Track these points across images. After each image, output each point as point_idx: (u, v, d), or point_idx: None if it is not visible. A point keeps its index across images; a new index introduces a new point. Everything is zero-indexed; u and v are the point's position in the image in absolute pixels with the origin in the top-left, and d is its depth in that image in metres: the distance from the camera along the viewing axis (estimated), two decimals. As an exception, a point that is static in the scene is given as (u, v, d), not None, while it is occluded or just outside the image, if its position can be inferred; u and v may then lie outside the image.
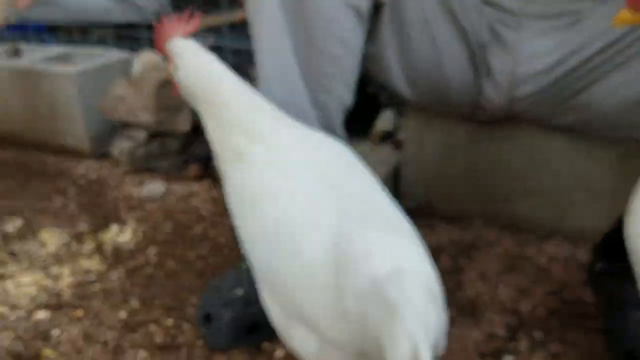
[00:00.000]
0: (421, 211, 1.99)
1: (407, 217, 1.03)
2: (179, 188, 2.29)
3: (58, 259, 1.84)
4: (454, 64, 1.63)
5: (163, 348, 1.46)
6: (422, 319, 0.78)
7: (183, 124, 2.39)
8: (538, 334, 1.50)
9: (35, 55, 2.77)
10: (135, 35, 3.23)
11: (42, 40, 3.40)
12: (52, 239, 1.95)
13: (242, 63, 3.14)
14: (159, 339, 1.49)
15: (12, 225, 2.04)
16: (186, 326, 1.54)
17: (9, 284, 1.71)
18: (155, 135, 2.42)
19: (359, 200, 1.05)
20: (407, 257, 0.91)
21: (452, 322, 1.55)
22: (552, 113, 1.66)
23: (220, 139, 1.18)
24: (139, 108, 2.35)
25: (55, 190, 2.31)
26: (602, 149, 1.75)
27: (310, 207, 1.02)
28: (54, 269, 1.79)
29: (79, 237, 1.96)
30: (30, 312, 1.59)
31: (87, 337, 1.50)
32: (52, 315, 1.58)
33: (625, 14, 1.03)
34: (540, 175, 1.86)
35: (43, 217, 2.10)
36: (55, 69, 2.54)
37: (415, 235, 1.00)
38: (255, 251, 1.08)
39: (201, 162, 2.40)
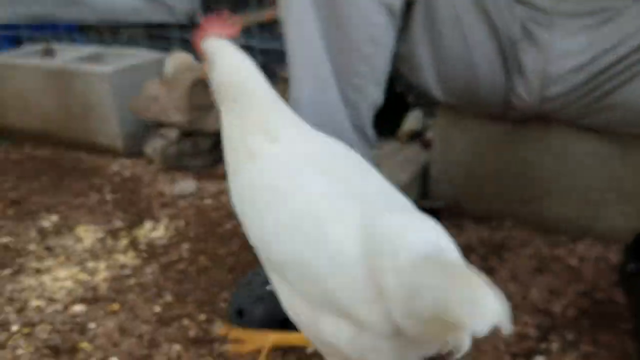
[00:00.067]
0: (450, 211, 1.99)
1: (435, 216, 1.04)
2: (210, 186, 2.33)
3: (94, 254, 1.89)
4: (485, 63, 1.63)
5: (196, 342, 1.49)
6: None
7: (214, 123, 2.43)
8: (569, 335, 1.50)
9: (68, 55, 2.84)
10: (166, 35, 3.28)
11: (73, 40, 3.48)
12: (87, 234, 2.01)
13: (270, 63, 3.18)
14: (192, 333, 1.53)
15: (49, 221, 2.10)
16: (218, 321, 1.57)
17: (46, 278, 1.76)
18: (187, 134, 2.46)
19: (373, 191, 1.10)
20: (435, 234, 0.97)
21: (483, 321, 1.55)
22: (584, 113, 1.65)
23: (239, 137, 1.21)
24: (171, 108, 2.39)
25: (90, 187, 2.37)
26: (634, 149, 1.73)
27: (331, 199, 1.06)
28: (90, 264, 1.84)
29: (113, 233, 2.02)
30: (67, 306, 1.64)
31: (123, 331, 1.54)
32: (88, 308, 1.63)
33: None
34: (572, 175, 1.84)
35: (79, 213, 2.16)
36: (89, 69, 2.60)
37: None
38: (277, 245, 1.09)
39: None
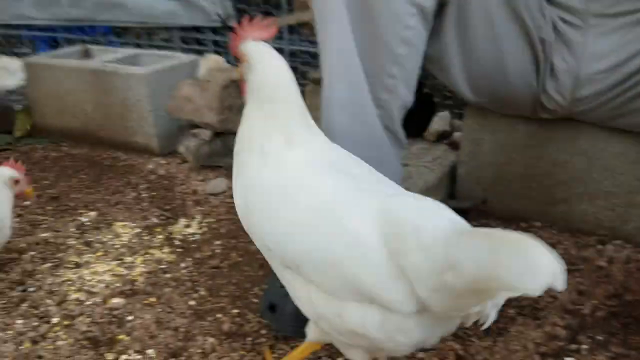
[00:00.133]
0: (477, 211, 2.01)
1: (463, 217, 1.07)
2: (241, 185, 2.38)
3: (131, 249, 1.96)
4: (516, 63, 1.64)
5: (230, 336, 1.54)
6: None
7: (245, 123, 2.48)
8: (599, 336, 1.50)
9: (105, 57, 2.93)
10: (199, 37, 3.36)
11: (108, 43, 3.58)
12: (125, 230, 2.08)
13: (299, 65, 3.23)
14: (225, 327, 1.57)
15: (87, 217, 2.18)
16: (251, 316, 1.61)
17: (85, 272, 1.83)
18: (219, 133, 2.53)
19: (384, 187, 1.17)
20: (449, 212, 1.03)
21: (513, 321, 1.57)
22: (615, 114, 1.65)
23: (258, 137, 1.23)
24: (204, 108, 2.46)
25: (127, 185, 2.44)
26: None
27: (343, 191, 1.11)
28: (127, 259, 1.90)
29: (149, 229, 2.08)
30: (105, 299, 1.70)
31: (159, 323, 1.59)
32: (126, 301, 1.69)
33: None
34: (601, 176, 1.84)
35: (116, 210, 2.23)
36: (126, 70, 2.68)
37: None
38: (293, 242, 1.12)
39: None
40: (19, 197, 1.84)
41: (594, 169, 1.83)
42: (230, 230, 2.06)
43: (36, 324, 1.59)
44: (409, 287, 1.00)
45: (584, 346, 1.47)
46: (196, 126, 2.56)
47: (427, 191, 1.98)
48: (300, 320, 1.49)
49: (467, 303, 0.98)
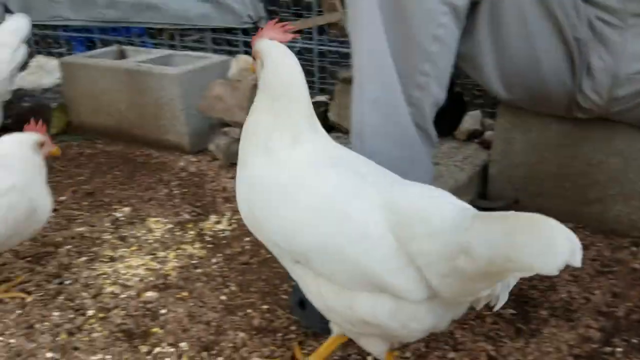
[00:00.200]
0: (509, 211, 1.99)
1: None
2: (270, 183, 2.40)
3: (163, 244, 2.00)
4: (550, 61, 1.62)
5: (260, 331, 1.56)
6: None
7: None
8: (634, 339, 1.47)
9: (139, 57, 2.98)
10: (230, 39, 3.40)
11: (143, 43, 3.65)
12: (157, 225, 2.12)
13: (328, 65, 3.24)
14: (256, 322, 1.59)
15: (121, 212, 2.23)
16: (280, 312, 1.63)
17: (120, 266, 1.87)
18: (249, 132, 2.55)
19: (388, 181, 1.18)
20: (454, 198, 1.06)
21: (545, 322, 1.55)
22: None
23: (264, 133, 1.24)
24: (234, 107, 2.49)
25: (159, 181, 2.49)
26: None
27: (348, 185, 1.13)
28: (160, 253, 1.94)
29: (181, 225, 2.12)
30: (139, 292, 1.74)
31: (192, 317, 1.62)
32: (159, 295, 1.72)
33: None
34: (637, 177, 1.80)
35: (149, 206, 2.27)
36: (160, 70, 2.73)
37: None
38: (301, 235, 1.14)
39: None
40: (47, 158, 1.76)
41: (630, 169, 1.80)
42: (260, 228, 2.07)
43: (72, 316, 1.63)
44: (419, 275, 1.01)
45: (619, 349, 1.45)
46: (226, 125, 2.59)
47: (458, 190, 1.97)
48: (329, 317, 1.49)
49: (478, 287, 1.00)
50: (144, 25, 3.61)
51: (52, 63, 3.57)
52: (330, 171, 1.17)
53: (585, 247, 1.84)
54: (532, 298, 1.66)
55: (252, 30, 3.34)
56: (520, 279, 1.70)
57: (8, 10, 3.84)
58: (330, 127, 2.86)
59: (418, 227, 1.00)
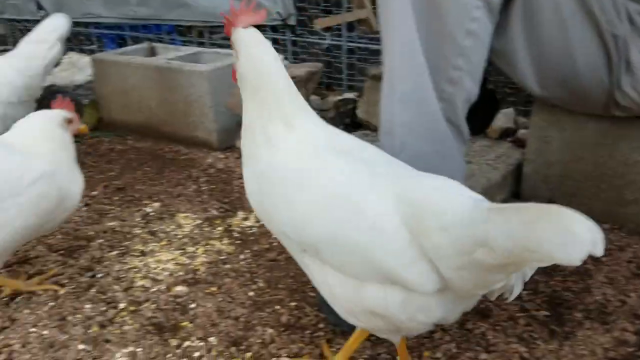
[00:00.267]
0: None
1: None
2: (298, 180, 2.40)
3: (192, 240, 2.01)
4: (586, 58, 1.58)
5: (288, 328, 1.55)
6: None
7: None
8: (673, 344, 1.43)
9: (169, 54, 3.01)
10: (259, 35, 3.41)
11: (172, 41, 3.68)
12: (186, 221, 2.13)
13: (357, 62, 3.23)
14: (284, 318, 1.59)
15: (151, 207, 2.25)
16: (308, 309, 1.62)
17: (150, 260, 1.89)
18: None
19: (393, 166, 1.18)
20: (466, 190, 1.04)
21: (580, 325, 1.51)
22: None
23: (257, 124, 1.24)
24: (263, 103, 2.49)
25: (188, 178, 2.51)
26: None
27: (357, 174, 1.12)
28: (190, 248, 1.95)
29: (210, 221, 2.13)
30: (169, 287, 1.75)
31: (220, 312, 1.62)
32: (188, 290, 1.73)
33: None
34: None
35: (178, 201, 2.29)
36: (190, 67, 2.75)
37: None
38: (311, 226, 1.13)
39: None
40: (75, 136, 1.73)
41: (670, 169, 1.74)
42: (289, 224, 2.07)
43: (104, 308, 1.65)
44: (431, 267, 1.01)
45: (657, 354, 1.41)
46: (255, 122, 2.59)
47: (491, 189, 1.94)
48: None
49: (494, 278, 0.99)
50: (175, 22, 3.65)
51: (84, 60, 3.62)
52: (337, 160, 1.16)
53: (620, 249, 1.82)
54: (566, 300, 1.62)
55: (280, 27, 3.35)
56: (554, 280, 1.69)
57: (41, 7, 3.93)
58: (358, 125, 2.85)
59: (430, 220, 0.99)
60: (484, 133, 2.34)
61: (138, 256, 1.92)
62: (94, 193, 2.37)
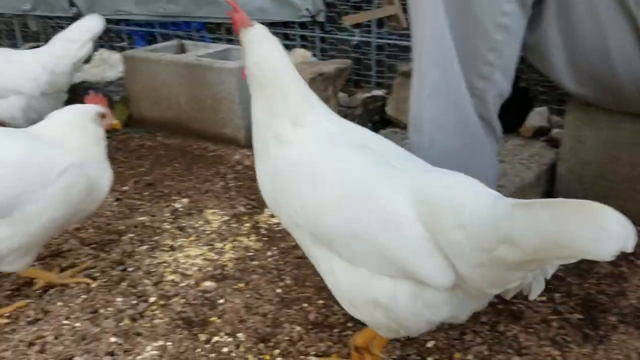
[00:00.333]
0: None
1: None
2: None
3: (220, 236, 2.02)
4: (622, 54, 1.54)
5: (316, 325, 1.55)
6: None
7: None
8: None
9: (198, 51, 3.03)
10: (287, 32, 3.41)
11: (201, 38, 3.71)
12: (214, 217, 2.15)
13: (386, 58, 3.20)
14: (312, 316, 1.58)
15: (180, 203, 2.27)
16: (336, 307, 1.61)
17: (179, 255, 1.91)
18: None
19: (406, 159, 1.18)
20: (482, 186, 1.03)
21: (614, 329, 1.48)
22: None
23: (266, 121, 1.26)
24: (292, 100, 2.48)
25: (216, 174, 2.52)
26: None
27: (376, 167, 1.12)
28: (217, 244, 1.96)
29: (237, 217, 2.14)
30: (198, 282, 1.76)
31: (248, 308, 1.63)
32: (217, 285, 1.74)
33: None
34: None
35: (206, 197, 2.31)
36: (219, 64, 2.76)
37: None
38: (325, 218, 1.13)
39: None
40: (108, 131, 1.74)
41: None
42: (316, 222, 2.07)
43: (135, 302, 1.67)
44: (446, 262, 1.00)
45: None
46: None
47: (524, 189, 1.90)
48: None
49: (513, 276, 0.98)
50: (204, 19, 3.67)
51: (115, 57, 3.67)
52: (352, 153, 1.16)
53: (658, 253, 1.77)
54: (600, 303, 1.58)
55: (309, 24, 3.34)
56: (588, 283, 1.65)
57: (73, 4, 3.99)
58: (387, 122, 2.83)
59: (447, 217, 0.98)
60: (516, 132, 2.30)
61: (167, 251, 1.94)
62: (125, 188, 2.40)
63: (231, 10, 1.30)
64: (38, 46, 2.94)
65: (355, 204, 1.09)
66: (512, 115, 1.99)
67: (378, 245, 1.06)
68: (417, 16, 1.52)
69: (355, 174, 1.12)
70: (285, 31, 3.40)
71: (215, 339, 1.52)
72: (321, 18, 3.30)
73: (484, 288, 1.01)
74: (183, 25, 3.81)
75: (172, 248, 1.96)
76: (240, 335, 1.53)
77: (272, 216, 2.14)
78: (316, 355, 1.45)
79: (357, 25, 3.11)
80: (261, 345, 1.48)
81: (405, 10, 2.94)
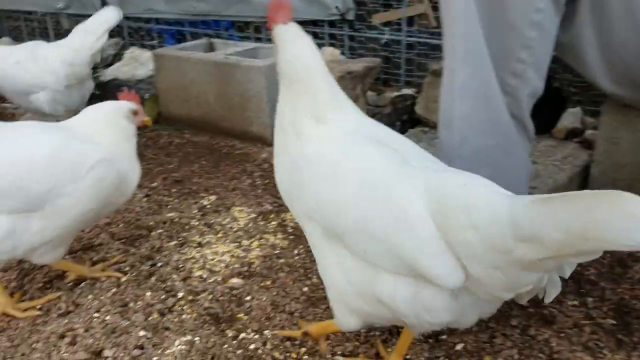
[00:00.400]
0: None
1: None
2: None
3: (247, 233, 2.03)
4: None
5: (343, 324, 1.54)
6: None
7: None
8: None
9: (227, 50, 3.05)
10: (316, 31, 3.41)
11: (229, 36, 3.73)
12: (241, 214, 2.16)
13: (415, 57, 3.18)
14: (339, 315, 1.58)
15: (208, 200, 2.29)
16: (363, 306, 1.61)
17: (207, 252, 1.92)
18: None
19: (425, 159, 1.18)
20: (495, 186, 1.02)
21: (649, 334, 1.44)
22: None
23: (290, 117, 1.27)
24: (320, 99, 2.48)
25: (243, 172, 2.54)
26: None
27: (392, 165, 1.11)
28: (244, 242, 1.97)
29: (264, 215, 2.14)
30: (225, 278, 1.77)
31: (275, 306, 1.63)
32: (244, 282, 1.75)
33: None
34: None
35: (233, 195, 2.32)
36: (248, 62, 2.77)
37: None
38: (338, 213, 1.13)
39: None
40: (138, 128, 1.76)
41: None
42: (343, 221, 2.06)
43: (163, 297, 1.69)
44: (457, 262, 1.00)
45: None
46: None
47: (556, 191, 1.85)
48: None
49: (527, 279, 0.97)
50: (233, 18, 3.69)
51: (146, 55, 3.72)
52: (372, 151, 1.16)
53: (697, 259, 1.71)
54: (634, 309, 1.54)
55: (338, 22, 3.33)
56: (621, 287, 1.61)
57: (105, 3, 4.06)
58: (416, 121, 2.80)
59: (460, 218, 0.97)
60: (549, 133, 2.26)
61: (195, 247, 1.95)
62: (154, 184, 2.43)
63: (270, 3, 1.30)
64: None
65: (370, 201, 1.10)
66: (545, 115, 1.96)
67: (393, 244, 1.06)
68: (448, 13, 1.50)
69: (377, 174, 1.12)
70: (314, 29, 3.40)
71: (242, 335, 1.52)
72: (350, 16, 3.28)
73: (496, 291, 1.00)
74: (212, 24, 3.84)
75: (200, 244, 1.97)
76: (267, 332, 1.53)
77: (298, 214, 2.14)
78: (342, 355, 1.44)
79: (387, 24, 3.09)
80: (287, 344, 1.48)
81: (435, 9, 2.91)
